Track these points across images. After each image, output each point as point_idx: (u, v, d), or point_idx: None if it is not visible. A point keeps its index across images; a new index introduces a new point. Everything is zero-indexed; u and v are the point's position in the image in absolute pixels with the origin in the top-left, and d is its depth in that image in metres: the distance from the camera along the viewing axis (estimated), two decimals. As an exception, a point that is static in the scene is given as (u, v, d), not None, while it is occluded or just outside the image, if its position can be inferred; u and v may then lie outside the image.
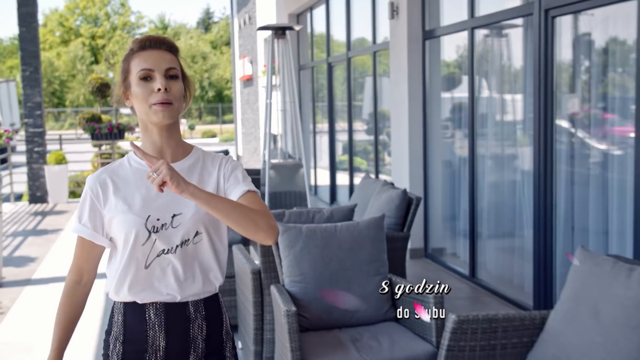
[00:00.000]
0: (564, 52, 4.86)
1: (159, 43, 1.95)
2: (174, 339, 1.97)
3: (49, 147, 12.78)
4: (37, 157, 12.05)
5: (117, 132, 12.16)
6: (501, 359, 2.99)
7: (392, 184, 5.44)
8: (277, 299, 3.44)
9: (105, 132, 12.00)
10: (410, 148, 7.05)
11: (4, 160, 12.27)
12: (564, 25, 4.80)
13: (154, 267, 1.95)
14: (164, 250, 1.94)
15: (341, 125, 10.39)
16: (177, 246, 1.94)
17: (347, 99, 9.69)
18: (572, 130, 4.88)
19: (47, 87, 47.19)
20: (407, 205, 5.03)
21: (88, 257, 2.02)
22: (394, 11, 7.14)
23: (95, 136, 12.14)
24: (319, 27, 11.56)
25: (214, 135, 34.96)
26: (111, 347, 2.01)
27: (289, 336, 3.21)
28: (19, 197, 13.44)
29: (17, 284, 6.56)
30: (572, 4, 4.53)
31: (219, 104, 45.64)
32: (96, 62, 52.73)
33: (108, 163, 13.15)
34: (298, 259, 3.60)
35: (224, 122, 39.51)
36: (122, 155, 18.42)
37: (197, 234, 1.96)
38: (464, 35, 6.18)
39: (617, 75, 4.46)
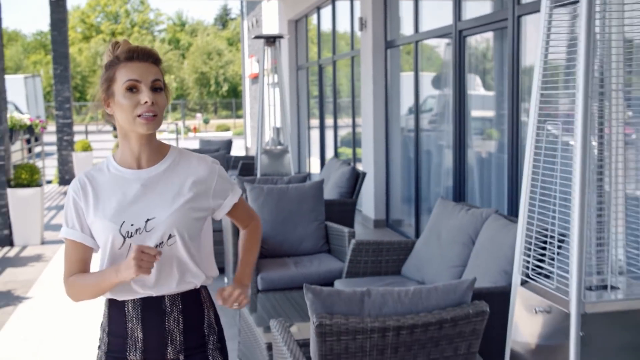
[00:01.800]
0: (472, 63, 6.41)
1: (146, 55, 1.98)
2: (150, 331, 2.04)
3: (75, 137, 14.48)
4: (66, 144, 13.73)
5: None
6: (385, 268, 4.57)
7: (349, 163, 7.02)
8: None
9: (126, 124, 13.64)
10: (375, 138, 8.61)
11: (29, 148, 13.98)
12: (471, 42, 6.35)
13: None
14: (160, 243, 2.00)
15: (329, 121, 11.97)
16: (169, 237, 2.00)
17: (332, 97, 11.28)
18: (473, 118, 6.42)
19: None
20: (355, 178, 6.61)
21: (81, 260, 2.05)
22: (362, 24, 8.71)
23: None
24: (312, 34, 13.14)
25: (227, 129, 36.59)
26: (100, 336, 2.12)
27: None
28: (48, 181, 15.14)
29: (57, 242, 8.25)
30: (479, 26, 6.07)
31: (233, 99, 47.25)
32: (116, 57, 54.43)
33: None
34: (260, 208, 5.19)
35: (237, 117, 41.13)
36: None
37: (170, 236, 2.00)
38: (412, 46, 7.74)
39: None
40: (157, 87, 1.96)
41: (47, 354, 4.68)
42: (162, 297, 2.03)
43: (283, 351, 2.69)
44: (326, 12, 11.69)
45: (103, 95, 1.99)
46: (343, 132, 11.33)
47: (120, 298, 2.04)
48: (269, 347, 3.19)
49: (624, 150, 2.35)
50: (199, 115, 39.59)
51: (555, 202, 2.28)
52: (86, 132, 18.07)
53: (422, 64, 7.61)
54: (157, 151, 2.06)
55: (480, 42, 6.33)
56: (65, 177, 13.71)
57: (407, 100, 8.29)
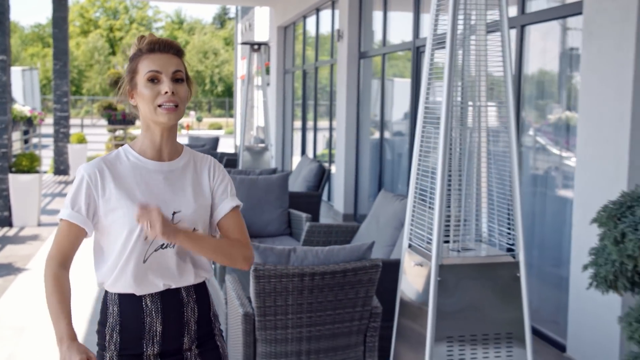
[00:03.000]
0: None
1: (167, 47, 2.00)
2: (170, 323, 2.04)
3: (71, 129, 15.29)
4: (62, 136, 14.53)
5: (130, 119, 14.61)
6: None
7: (318, 160, 7.86)
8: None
9: (120, 119, 14.47)
10: (346, 140, 9.45)
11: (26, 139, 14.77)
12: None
13: (150, 261, 2.01)
14: (162, 245, 2.00)
15: (311, 123, 12.80)
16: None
17: (314, 101, 12.12)
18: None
19: (66, 76, 49.55)
20: (322, 174, 7.45)
21: (73, 244, 2.00)
22: (339, 36, 9.56)
23: (111, 121, 14.64)
24: (299, 40, 13.99)
25: (219, 128, 37.39)
26: (107, 337, 2.05)
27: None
28: (44, 171, 15.92)
29: (52, 225, 9.06)
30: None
31: (227, 99, 48.04)
32: (113, 53, 55.23)
33: (121, 146, 15.65)
34: (233, 195, 6.03)
35: (230, 116, 41.96)
36: (134, 139, 20.88)
37: (194, 230, 2.03)
38: (379, 58, 8.59)
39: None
40: (179, 78, 1.98)
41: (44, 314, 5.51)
42: (179, 289, 2.05)
43: (232, 295, 3.52)
44: (311, 21, 12.54)
45: (127, 86, 2.03)
46: (324, 134, 12.17)
47: (139, 292, 2.02)
48: (226, 301, 4.01)
49: (486, 143, 3.18)
50: (192, 113, 40.43)
51: (434, 187, 3.09)
52: (82, 126, 18.85)
53: (389, 74, 8.45)
54: (176, 147, 2.09)
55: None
56: (61, 167, 14.49)
57: (375, 106, 9.13)
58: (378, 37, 8.88)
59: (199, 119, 39.19)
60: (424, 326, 3.03)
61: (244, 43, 10.21)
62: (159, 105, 1.96)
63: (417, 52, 7.20)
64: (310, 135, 12.77)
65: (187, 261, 2.06)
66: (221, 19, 62.72)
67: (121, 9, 58.46)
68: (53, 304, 1.94)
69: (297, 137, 13.98)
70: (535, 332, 4.90)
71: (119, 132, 15.77)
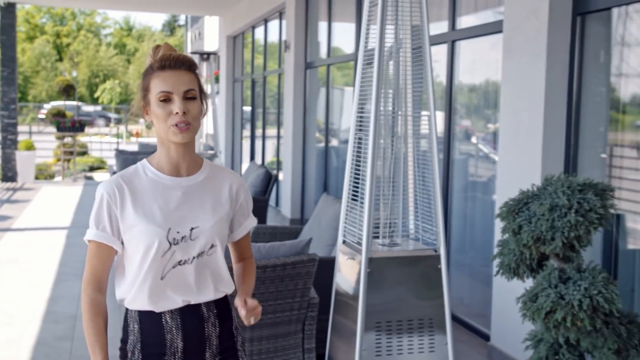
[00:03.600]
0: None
1: (179, 63, 1.99)
2: (191, 339, 2.03)
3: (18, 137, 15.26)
4: (9, 143, 14.48)
5: (79, 126, 14.68)
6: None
7: (265, 166, 8.16)
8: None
9: (69, 126, 14.52)
10: (293, 147, 9.78)
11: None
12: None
13: (169, 277, 2.00)
14: (180, 261, 2.00)
15: (259, 131, 13.10)
16: (193, 257, 2.01)
17: (262, 110, 12.43)
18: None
19: (11, 82, 48.67)
20: (268, 179, 7.75)
21: (105, 264, 2.01)
22: (286, 46, 9.90)
23: (60, 129, 14.67)
24: (248, 49, 14.28)
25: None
26: (129, 355, 2.05)
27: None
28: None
29: (1, 230, 9.13)
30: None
31: (177, 106, 47.72)
32: (60, 59, 54.50)
33: (70, 153, 15.64)
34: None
35: (180, 124, 41.74)
36: (83, 146, 20.76)
37: (212, 246, 2.03)
38: (324, 68, 8.96)
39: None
40: (191, 97, 1.98)
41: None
42: (199, 305, 2.04)
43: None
44: (260, 31, 12.86)
45: (142, 102, 2.02)
46: (273, 142, 12.48)
47: (158, 309, 2.01)
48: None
49: (413, 150, 3.55)
50: (141, 120, 40.17)
51: (364, 190, 3.44)
52: (30, 133, 18.75)
53: (341, 83, 8.82)
54: (194, 161, 2.07)
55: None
56: (8, 174, 14.45)
57: (321, 115, 9.49)
58: (324, 47, 9.25)
59: (148, 127, 38.93)
60: (355, 318, 3.37)
61: (193, 52, 10.49)
62: (172, 125, 1.95)
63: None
64: (259, 143, 13.05)
65: (207, 276, 2.05)
66: (171, 26, 62.45)
67: (68, 15, 57.74)
68: (90, 334, 1.97)
69: (247, 144, 14.26)
70: (464, 324, 5.30)
71: (68, 139, 15.79)
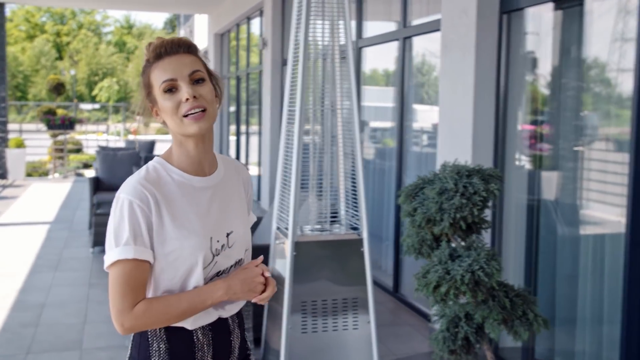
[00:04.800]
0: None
1: (175, 46, 1.74)
2: (220, 353, 1.85)
3: (10, 136, 15.55)
4: (0, 141, 14.77)
5: (69, 124, 14.94)
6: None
7: (238, 161, 8.40)
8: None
9: (58, 123, 14.78)
10: (271, 143, 10.02)
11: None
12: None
13: None
14: (219, 272, 1.79)
15: (244, 127, 13.35)
16: (231, 267, 1.82)
17: (246, 106, 12.67)
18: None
19: (11, 81, 49.11)
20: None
21: (143, 285, 1.70)
22: (264, 44, 10.13)
23: (50, 126, 14.94)
24: (234, 46, 14.53)
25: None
26: None
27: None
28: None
29: (-15, 225, 9.43)
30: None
31: (175, 104, 48.02)
32: (60, 58, 54.81)
33: (61, 150, 15.90)
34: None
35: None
36: (77, 144, 20.99)
37: (246, 250, 1.87)
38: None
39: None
40: (198, 79, 1.73)
41: None
42: (226, 317, 1.85)
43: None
44: (244, 28, 13.10)
45: (148, 104, 1.78)
46: (256, 138, 12.72)
47: (192, 327, 1.78)
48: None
49: (343, 140, 3.79)
50: (139, 118, 40.41)
51: (291, 182, 3.68)
52: (20, 131, 19.03)
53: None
54: (212, 156, 1.85)
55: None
56: None
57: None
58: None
59: (147, 124, 39.25)
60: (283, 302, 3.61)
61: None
62: (185, 116, 1.70)
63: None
64: (244, 139, 13.30)
65: None
66: (172, 24, 62.65)
67: (68, 14, 58.03)
68: (173, 306, 1.70)
69: (234, 141, 14.50)
70: (410, 307, 5.53)
71: (61, 137, 16.06)
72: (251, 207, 1.99)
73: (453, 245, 2.97)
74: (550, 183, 4.11)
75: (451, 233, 2.86)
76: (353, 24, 6.76)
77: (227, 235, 1.78)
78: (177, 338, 1.77)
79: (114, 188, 8.97)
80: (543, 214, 4.09)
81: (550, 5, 4.01)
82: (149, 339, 1.77)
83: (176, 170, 1.77)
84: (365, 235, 3.65)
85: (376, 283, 5.87)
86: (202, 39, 18.57)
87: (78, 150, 21.50)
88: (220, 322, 1.83)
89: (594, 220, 3.80)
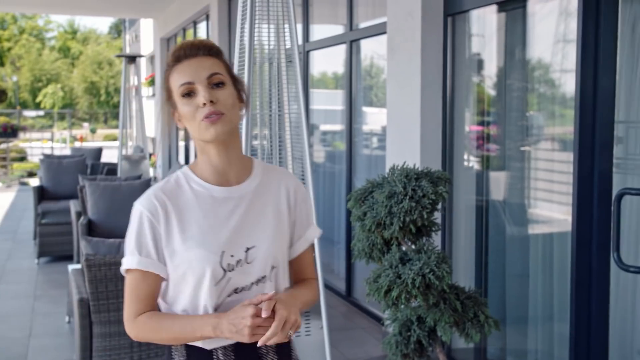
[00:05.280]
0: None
1: (195, 49, 1.68)
2: None
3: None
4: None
5: (11, 132, 14.57)
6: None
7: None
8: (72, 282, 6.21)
9: (1, 132, 14.39)
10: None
11: None
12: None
13: (224, 309, 1.67)
14: (237, 289, 1.68)
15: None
16: (252, 283, 1.69)
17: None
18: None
19: (-50, 88, 47.63)
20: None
21: (154, 294, 1.69)
22: (211, 48, 10.03)
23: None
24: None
25: (115, 139, 37.00)
26: None
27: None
28: None
29: None
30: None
31: (122, 110, 47.33)
32: (2, 64, 53.45)
33: (3, 159, 15.48)
34: (97, 199, 6.38)
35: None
36: (21, 152, 20.52)
37: (272, 268, 1.72)
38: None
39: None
40: (218, 82, 1.66)
41: None
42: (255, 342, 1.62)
43: (72, 284, 3.94)
44: (190, 33, 12.95)
45: (170, 109, 1.71)
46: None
47: (208, 347, 1.69)
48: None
49: (291, 144, 3.76)
50: (85, 124, 39.80)
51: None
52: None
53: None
54: (243, 164, 1.75)
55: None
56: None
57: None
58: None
59: (93, 131, 38.63)
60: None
61: (118, 56, 10.54)
62: (201, 120, 1.63)
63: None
64: (192, 144, 13.13)
65: None
66: (118, 29, 61.72)
67: (9, 18, 56.62)
68: (166, 328, 1.65)
69: (183, 146, 14.34)
70: (364, 311, 5.53)
71: (3, 146, 15.64)
72: (307, 220, 1.83)
73: (404, 248, 2.96)
74: (499, 183, 4.15)
75: (401, 237, 2.85)
76: (299, 27, 6.74)
77: (247, 250, 1.68)
78: (196, 356, 1.70)
79: (59, 197, 8.77)
80: (492, 214, 4.12)
81: (494, 7, 4.04)
82: (173, 354, 1.74)
83: (197, 180, 1.72)
84: (316, 240, 3.62)
85: (328, 287, 5.85)
86: (148, 43, 18.33)
87: (22, 159, 20.99)
88: (245, 346, 1.67)
89: (541, 220, 3.84)
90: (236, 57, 3.79)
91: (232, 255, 1.66)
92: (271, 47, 3.73)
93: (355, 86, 5.81)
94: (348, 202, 3.04)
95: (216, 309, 1.67)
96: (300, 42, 6.64)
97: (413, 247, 2.93)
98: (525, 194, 3.92)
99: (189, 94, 1.65)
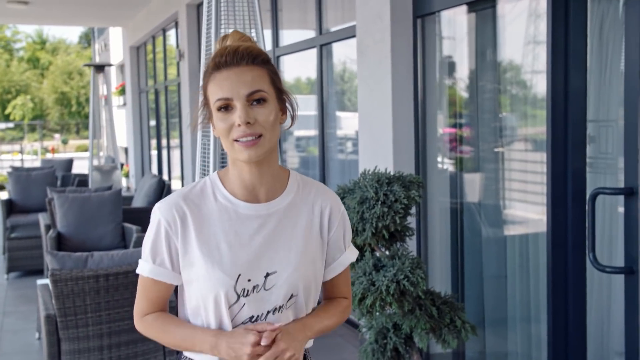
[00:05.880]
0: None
1: (238, 58, 1.52)
2: None
3: None
4: None
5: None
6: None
7: (157, 176, 8.18)
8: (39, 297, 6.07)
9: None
10: (192, 157, 9.81)
11: None
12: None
13: None
14: (251, 317, 1.56)
15: (164, 141, 13.06)
16: (268, 312, 1.57)
17: (166, 120, 12.40)
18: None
19: None
20: (162, 189, 7.78)
21: (162, 299, 1.63)
22: (181, 55, 9.92)
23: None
24: (150, 59, 14.23)
25: (86, 150, 36.62)
26: None
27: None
28: None
29: None
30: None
31: (94, 120, 46.88)
32: (-31, 76, 52.62)
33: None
34: (66, 211, 6.25)
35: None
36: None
37: (291, 297, 1.58)
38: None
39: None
40: (259, 99, 1.51)
41: None
42: None
43: (40, 300, 3.82)
44: (160, 40, 12.82)
45: (207, 113, 1.59)
46: (178, 152, 12.46)
47: None
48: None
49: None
50: (57, 135, 39.36)
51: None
52: None
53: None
54: (277, 179, 1.62)
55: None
56: None
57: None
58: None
59: (65, 142, 38.22)
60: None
61: (86, 65, 10.40)
62: (235, 140, 1.51)
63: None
64: (165, 153, 13.02)
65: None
66: (88, 38, 61.13)
67: (-24, 30, 55.83)
68: (169, 332, 1.60)
69: (156, 155, 14.18)
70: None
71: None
72: (345, 242, 1.69)
73: (378, 254, 2.90)
74: (473, 185, 4.11)
75: (375, 243, 2.79)
76: (268, 32, 6.68)
77: (267, 275, 1.55)
78: None
79: (29, 210, 8.60)
80: (467, 217, 4.08)
81: (464, 8, 4.01)
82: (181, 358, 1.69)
83: (224, 192, 1.60)
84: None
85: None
86: (117, 52, 18.14)
87: (-9, 172, 20.62)
88: None
89: (517, 221, 3.81)
90: (203, 64, 3.72)
91: (249, 280, 1.55)
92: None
93: (327, 91, 5.76)
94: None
95: None
96: (270, 47, 6.59)
97: (387, 253, 2.87)
98: (500, 195, 3.89)
99: (227, 107, 1.52)
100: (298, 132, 7.11)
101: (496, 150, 3.89)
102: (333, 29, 5.63)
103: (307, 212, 1.64)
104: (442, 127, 4.31)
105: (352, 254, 1.72)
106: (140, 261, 1.64)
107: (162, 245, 1.58)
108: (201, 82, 1.61)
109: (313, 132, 6.27)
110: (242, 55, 1.52)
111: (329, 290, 1.72)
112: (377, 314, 2.76)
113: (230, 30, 3.50)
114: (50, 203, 6.40)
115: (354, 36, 4.95)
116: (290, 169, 1.69)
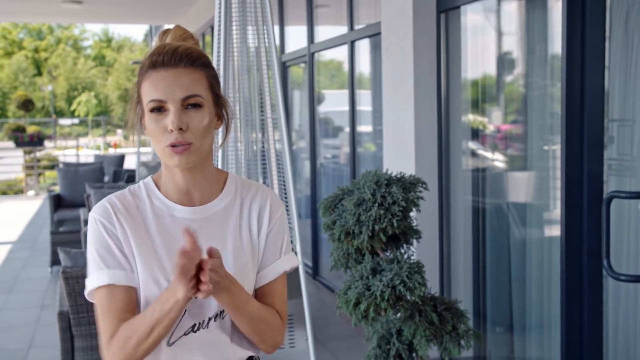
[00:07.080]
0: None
1: (176, 59, 1.42)
2: None
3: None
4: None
5: (37, 140, 14.74)
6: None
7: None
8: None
9: (27, 140, 14.57)
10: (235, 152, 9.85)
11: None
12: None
13: (178, 346, 1.48)
14: (193, 326, 1.48)
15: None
16: (209, 319, 1.49)
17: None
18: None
19: (-11, 98, 48.68)
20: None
21: (131, 309, 1.46)
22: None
23: (19, 143, 14.73)
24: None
25: (146, 145, 37.31)
26: None
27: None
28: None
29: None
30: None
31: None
32: (39, 74, 54.41)
33: (31, 167, 15.67)
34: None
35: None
36: (54, 160, 20.77)
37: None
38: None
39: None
40: (194, 104, 1.43)
41: None
42: None
43: (57, 296, 3.86)
44: (208, 39, 12.95)
45: (139, 113, 1.49)
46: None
47: None
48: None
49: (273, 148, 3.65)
50: (119, 131, 40.22)
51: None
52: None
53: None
54: (213, 182, 1.54)
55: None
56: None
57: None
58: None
59: (126, 137, 39.04)
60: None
61: (134, 62, 10.54)
62: (166, 146, 1.42)
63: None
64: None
65: (226, 343, 1.52)
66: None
67: (45, 29, 57.64)
68: (143, 328, 1.40)
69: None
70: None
71: (34, 154, 15.84)
72: (282, 247, 1.57)
73: (381, 256, 2.81)
74: (498, 185, 3.97)
75: (377, 245, 2.70)
76: (304, 29, 6.63)
77: None
78: None
79: (76, 205, 8.78)
80: (493, 217, 3.94)
81: (485, 1, 3.87)
82: None
83: (159, 195, 1.51)
84: (298, 248, 3.49)
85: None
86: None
87: (53, 167, 21.23)
88: None
89: (544, 222, 3.65)
90: (222, 61, 3.70)
91: None
92: (251, 50, 3.62)
93: (359, 87, 5.67)
94: (320, 211, 2.90)
95: (170, 345, 1.48)
96: (305, 44, 6.54)
97: (391, 256, 2.78)
98: (528, 196, 3.73)
99: (160, 109, 1.42)
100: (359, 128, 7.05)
101: (525, 149, 3.73)
102: (360, 26, 5.53)
103: (244, 214, 1.55)
104: (467, 127, 4.17)
105: (287, 262, 1.58)
106: (88, 279, 1.48)
107: (109, 244, 1.46)
108: (136, 79, 1.49)
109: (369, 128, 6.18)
110: (181, 57, 1.43)
111: (259, 300, 1.56)
112: (371, 319, 2.67)
113: (234, 29, 3.45)
114: (87, 199, 6.50)
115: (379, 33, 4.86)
116: (229, 172, 1.60)
